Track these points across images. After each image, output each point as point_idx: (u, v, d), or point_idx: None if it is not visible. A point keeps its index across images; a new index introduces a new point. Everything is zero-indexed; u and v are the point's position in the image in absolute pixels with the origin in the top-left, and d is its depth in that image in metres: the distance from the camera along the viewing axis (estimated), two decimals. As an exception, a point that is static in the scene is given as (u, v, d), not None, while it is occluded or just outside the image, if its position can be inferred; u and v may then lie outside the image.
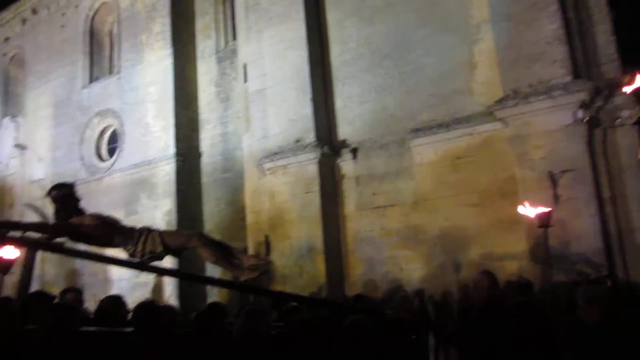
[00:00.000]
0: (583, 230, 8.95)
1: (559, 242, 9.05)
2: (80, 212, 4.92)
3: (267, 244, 12.01)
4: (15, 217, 17.83)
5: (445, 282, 10.43)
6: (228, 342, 3.61)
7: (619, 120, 9.44)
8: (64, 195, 4.90)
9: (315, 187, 11.69)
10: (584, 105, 9.21)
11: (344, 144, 12.22)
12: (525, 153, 9.59)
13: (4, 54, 20.87)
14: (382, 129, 11.87)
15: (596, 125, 9.48)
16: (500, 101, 9.86)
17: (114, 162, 16.02)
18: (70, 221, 4.79)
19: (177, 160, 14.43)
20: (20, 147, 18.74)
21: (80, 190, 15.99)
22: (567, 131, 9.29)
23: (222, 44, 15.62)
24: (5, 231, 4.39)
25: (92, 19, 17.96)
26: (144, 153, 15.21)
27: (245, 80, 13.34)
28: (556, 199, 9.15)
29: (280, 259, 11.76)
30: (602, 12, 9.94)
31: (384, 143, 11.77)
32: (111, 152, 16.64)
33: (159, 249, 4.82)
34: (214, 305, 4.81)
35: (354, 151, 12.01)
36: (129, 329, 3.72)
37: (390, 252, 11.32)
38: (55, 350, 3.02)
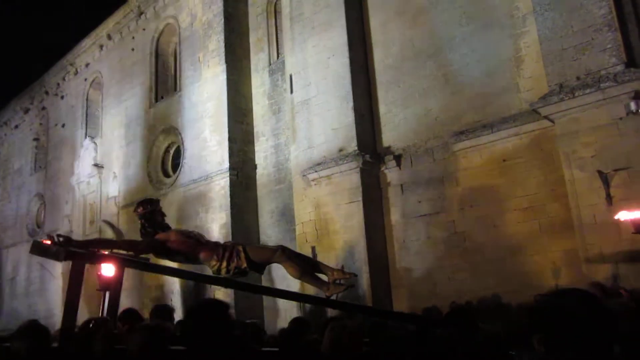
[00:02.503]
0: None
1: (611, 247, 8.20)
2: (166, 228, 4.91)
3: (314, 256, 11.83)
4: (95, 233, 18.95)
5: (496, 293, 9.74)
6: (316, 358, 3.47)
7: (683, 109, 8.40)
8: (150, 211, 4.87)
9: (358, 197, 11.40)
10: (638, 96, 8.28)
11: (388, 150, 11.85)
12: (574, 151, 8.77)
13: (85, 79, 22.36)
14: (426, 133, 11.39)
15: (655, 116, 8.51)
16: (544, 97, 9.12)
17: (176, 177, 16.58)
18: (157, 237, 4.76)
19: (231, 174, 14.66)
20: (98, 166, 19.92)
21: (147, 206, 16.62)
22: (620, 125, 8.40)
23: (275, 56, 15.74)
24: (96, 249, 4.41)
25: (158, 40, 18.80)
26: (202, 168, 15.61)
27: (292, 91, 13.33)
28: (609, 200, 8.29)
29: (326, 270, 11.54)
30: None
31: (428, 148, 11.28)
32: (175, 168, 17.24)
33: (244, 264, 4.69)
34: (298, 320, 4.62)
35: (398, 158, 11.60)
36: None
37: (438, 261, 10.78)
38: None
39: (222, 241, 5.58)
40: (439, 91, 11.32)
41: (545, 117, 9.24)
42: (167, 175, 17.39)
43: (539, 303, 1.82)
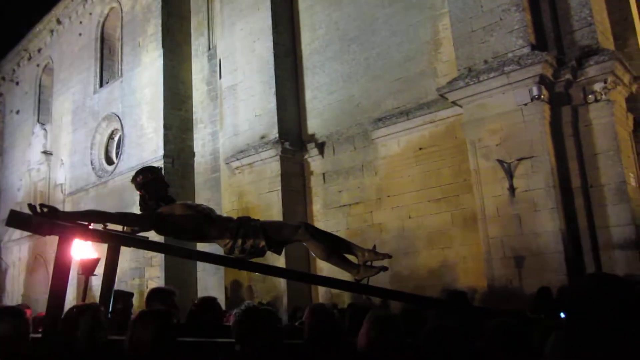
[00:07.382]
0: (541, 226, 7.62)
1: (514, 241, 7.82)
2: (170, 201, 4.21)
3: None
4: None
5: (407, 287, 9.36)
6: (351, 354, 2.98)
7: (592, 95, 7.97)
8: (150, 180, 4.16)
9: (277, 186, 10.99)
10: (542, 81, 7.84)
11: (312, 138, 11.42)
12: (480, 139, 8.35)
13: (38, 65, 21.81)
14: (348, 120, 10.95)
15: (564, 103, 8.10)
16: (451, 82, 8.68)
17: (117, 165, 16.14)
18: (159, 211, 4.06)
19: (166, 162, 14.20)
20: (47, 153, 19.47)
21: (90, 194, 16.17)
22: (525, 112, 7.96)
23: (215, 40, 15.20)
24: (86, 224, 3.71)
25: (103, 25, 18.25)
26: (140, 155, 15.15)
27: (220, 76, 12.86)
28: (512, 191, 7.89)
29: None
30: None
31: (350, 136, 10.85)
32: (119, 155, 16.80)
33: (261, 243, 4.03)
34: (320, 309, 4.03)
35: (321, 146, 11.17)
36: (228, 340, 3.08)
37: (355, 253, 10.37)
38: None
39: None
40: (361, 76, 10.86)
41: (454, 103, 8.81)
42: (110, 163, 16.94)
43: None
